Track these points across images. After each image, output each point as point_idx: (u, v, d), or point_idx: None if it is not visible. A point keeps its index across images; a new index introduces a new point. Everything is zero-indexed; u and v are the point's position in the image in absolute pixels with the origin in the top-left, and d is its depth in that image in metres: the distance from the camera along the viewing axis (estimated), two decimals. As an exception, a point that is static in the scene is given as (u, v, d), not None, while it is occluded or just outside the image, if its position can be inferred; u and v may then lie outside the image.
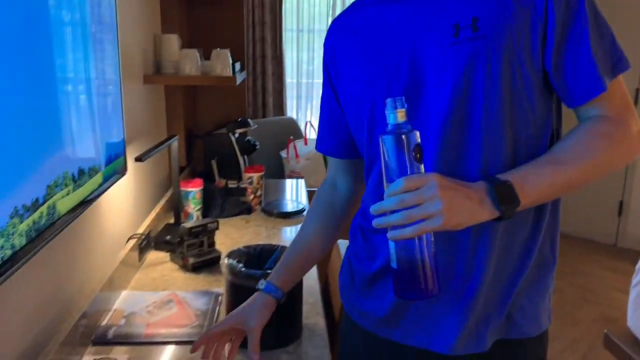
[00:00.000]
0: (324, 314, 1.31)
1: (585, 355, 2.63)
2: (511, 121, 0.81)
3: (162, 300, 1.33)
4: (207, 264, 1.53)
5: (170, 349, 1.13)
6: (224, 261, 1.13)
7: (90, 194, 1.03)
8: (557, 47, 0.79)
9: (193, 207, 1.86)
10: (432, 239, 0.74)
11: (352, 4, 0.94)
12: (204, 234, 1.55)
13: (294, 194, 2.34)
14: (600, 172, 0.82)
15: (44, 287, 1.04)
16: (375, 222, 0.74)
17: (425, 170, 0.76)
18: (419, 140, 0.73)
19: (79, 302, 1.16)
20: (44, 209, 0.79)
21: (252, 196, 2.07)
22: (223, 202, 2.01)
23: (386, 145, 0.73)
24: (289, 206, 2.08)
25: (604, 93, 0.80)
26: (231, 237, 1.78)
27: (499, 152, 0.81)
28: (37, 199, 0.76)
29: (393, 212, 0.72)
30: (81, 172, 0.95)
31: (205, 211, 1.94)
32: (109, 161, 1.13)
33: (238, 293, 1.11)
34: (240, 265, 1.12)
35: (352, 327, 0.99)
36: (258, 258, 1.21)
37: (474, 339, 0.86)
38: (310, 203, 1.11)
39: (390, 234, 0.73)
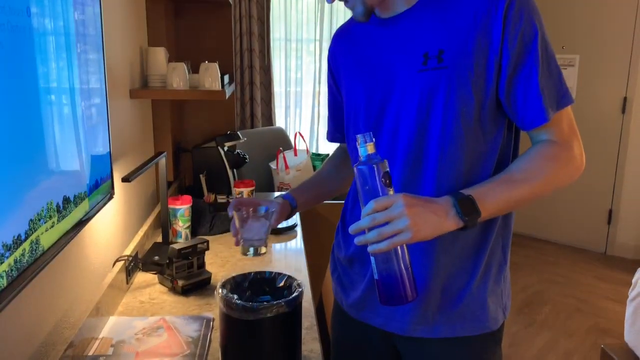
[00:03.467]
0: (320, 338, 1.26)
1: (579, 367, 2.61)
2: (463, 140, 0.96)
3: (151, 326, 1.28)
4: (197, 286, 1.48)
5: (160, 381, 1.08)
6: (218, 291, 1.09)
7: (77, 223, 0.98)
8: (509, 80, 0.93)
9: (182, 225, 1.81)
10: (406, 250, 0.87)
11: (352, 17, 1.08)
12: (194, 255, 1.50)
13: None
14: (548, 189, 0.95)
15: (26, 321, 0.98)
16: (357, 240, 0.86)
17: (393, 183, 0.92)
18: (387, 168, 0.87)
19: (64, 333, 1.10)
20: (26, 245, 0.74)
21: (242, 212, 2.02)
22: (212, 219, 1.96)
23: (360, 174, 0.87)
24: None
25: (552, 122, 0.94)
26: (221, 255, 1.73)
27: (453, 166, 0.97)
28: (19, 236, 0.71)
29: (371, 229, 0.83)
30: (66, 200, 0.90)
31: (194, 228, 1.89)
32: (95, 186, 1.08)
33: (233, 325, 1.06)
34: (235, 297, 1.07)
35: (337, 307, 1.22)
36: (251, 287, 1.17)
37: (428, 325, 1.02)
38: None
39: (368, 249, 0.85)
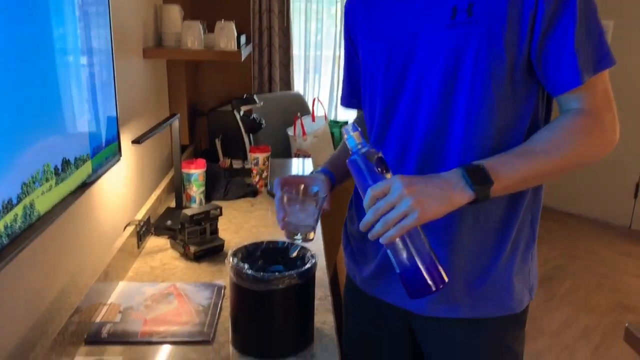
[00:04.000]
0: (333, 309, 1.22)
1: (599, 344, 2.55)
2: (494, 105, 0.87)
3: (161, 293, 1.25)
4: (209, 252, 1.44)
5: (167, 350, 1.05)
6: (229, 260, 1.04)
7: (79, 186, 0.93)
8: (542, 36, 0.84)
9: (196, 190, 1.77)
10: (423, 235, 0.80)
11: None
12: (206, 221, 1.46)
13: (301, 174, 2.24)
14: (573, 164, 0.86)
15: (29, 284, 0.95)
16: (370, 236, 0.79)
17: (412, 157, 0.90)
18: (380, 154, 0.82)
19: (70, 298, 1.07)
20: (18, 209, 0.69)
21: (257, 178, 1.98)
22: (227, 184, 1.91)
23: (352, 167, 0.83)
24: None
25: (586, 87, 0.84)
26: (235, 221, 1.69)
27: (481, 137, 0.88)
28: (9, 200, 0.67)
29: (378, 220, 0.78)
30: (66, 163, 0.85)
31: (209, 193, 1.85)
32: (99, 148, 1.03)
33: (243, 296, 1.02)
34: (246, 266, 1.03)
35: (349, 282, 1.15)
36: (263, 256, 1.12)
37: (448, 305, 0.95)
38: None
39: (380, 241, 0.78)
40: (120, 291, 1.25)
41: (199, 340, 1.07)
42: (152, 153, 1.76)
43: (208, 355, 1.04)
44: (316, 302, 1.21)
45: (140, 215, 1.50)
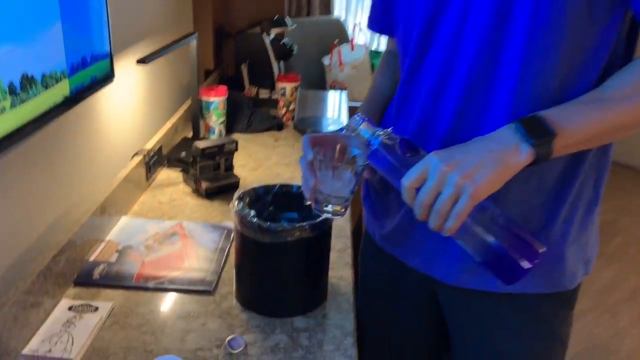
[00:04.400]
0: (352, 263, 1.08)
1: (646, 308, 2.37)
2: (565, 30, 0.67)
3: (166, 232, 1.14)
4: (222, 190, 1.31)
5: (163, 298, 0.94)
6: (234, 204, 0.90)
7: (50, 109, 0.79)
8: None
9: (215, 120, 1.62)
10: (491, 208, 0.66)
11: None
12: (221, 155, 1.32)
13: (334, 108, 2.05)
14: None
15: (5, 219, 0.84)
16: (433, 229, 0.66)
17: (449, 94, 0.73)
18: (403, 137, 0.71)
19: (61, 232, 0.97)
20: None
21: (284, 110, 1.81)
22: (251, 115, 1.76)
23: (375, 161, 0.72)
24: (326, 124, 1.81)
25: None
26: (255, 157, 1.55)
27: (542, 76, 0.69)
28: None
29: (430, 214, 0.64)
30: (27, 80, 0.71)
31: (230, 124, 1.70)
32: (82, 65, 0.88)
33: (248, 247, 0.89)
34: (253, 213, 0.88)
35: (368, 239, 1.00)
36: (275, 202, 0.98)
37: (484, 276, 0.75)
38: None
39: (443, 235, 0.65)
40: (121, 227, 1.14)
41: (199, 289, 0.96)
42: (168, 77, 1.61)
43: (207, 307, 0.93)
44: (334, 254, 1.07)
45: (151, 145, 1.38)
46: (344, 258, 1.09)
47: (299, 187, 0.99)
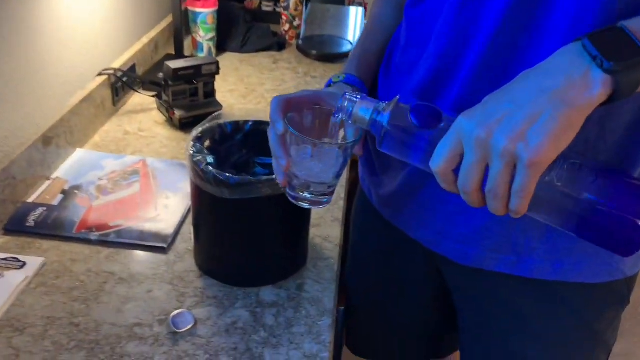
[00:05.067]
0: (343, 220, 0.90)
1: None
2: None
3: (125, 169, 0.96)
4: (200, 120, 1.10)
5: (106, 253, 0.78)
6: (189, 146, 0.71)
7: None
8: None
9: (203, 35, 1.39)
10: (565, 165, 0.45)
11: None
12: (199, 78, 1.11)
13: (349, 28, 1.79)
14: None
15: None
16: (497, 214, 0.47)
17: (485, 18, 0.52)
18: (407, 105, 0.51)
19: (-13, 169, 0.80)
20: None
21: (287, 26, 1.56)
22: (248, 31, 1.52)
23: (389, 146, 0.53)
24: (336, 45, 1.57)
25: None
26: (248, 81, 1.33)
27: None
28: None
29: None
30: None
31: (223, 41, 1.47)
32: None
33: (204, 203, 0.71)
34: (210, 159, 0.69)
35: (362, 199, 0.81)
36: (248, 143, 0.78)
37: (512, 255, 0.60)
38: None
39: (515, 217, 0.46)
40: (74, 161, 0.97)
41: (151, 245, 0.79)
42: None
43: (158, 270, 0.76)
44: (321, 210, 0.89)
45: (120, 63, 1.17)
46: (333, 212, 0.90)
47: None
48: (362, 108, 0.54)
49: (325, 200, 0.62)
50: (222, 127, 0.77)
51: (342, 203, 0.93)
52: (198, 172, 0.68)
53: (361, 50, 0.73)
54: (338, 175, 0.61)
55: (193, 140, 0.72)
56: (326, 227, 0.87)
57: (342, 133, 0.61)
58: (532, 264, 0.60)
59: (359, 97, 0.55)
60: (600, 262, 0.59)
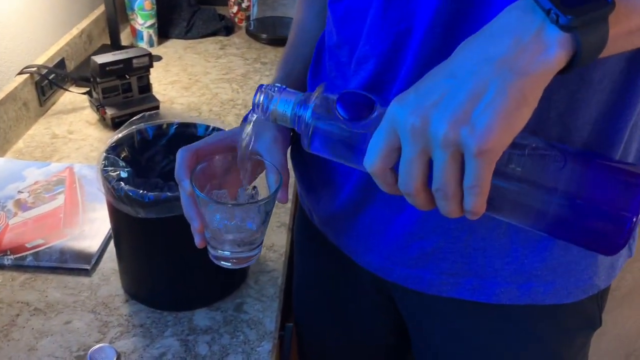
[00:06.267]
0: (290, 225, 0.83)
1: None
2: None
3: (50, 179, 0.87)
4: (135, 119, 1.02)
5: (21, 278, 0.70)
6: (100, 160, 0.62)
7: None
8: None
9: (142, 23, 1.29)
10: (527, 151, 0.38)
11: None
12: (131, 73, 1.01)
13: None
14: None
15: None
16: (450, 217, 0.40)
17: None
18: (334, 95, 0.43)
19: None
20: None
21: (235, 8, 1.46)
22: (192, 16, 1.41)
23: (317, 144, 0.45)
24: (289, 27, 1.47)
25: None
26: (190, 71, 1.24)
27: None
28: None
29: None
30: None
31: (165, 28, 1.37)
32: None
33: (122, 222, 0.63)
34: (123, 175, 0.61)
35: (302, 217, 0.72)
36: (171, 148, 0.69)
37: (470, 278, 0.53)
38: None
39: (470, 218, 0.38)
40: (-10, 174, 0.87)
41: (73, 267, 0.71)
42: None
43: (79, 296, 0.68)
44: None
45: (45, 58, 1.06)
46: (279, 216, 0.83)
47: (209, 127, 0.71)
48: (282, 102, 0.46)
49: (254, 255, 0.55)
50: (142, 132, 0.69)
51: (289, 205, 0.86)
52: (109, 190, 0.60)
53: (291, 68, 0.63)
54: (262, 229, 0.53)
55: (106, 152, 0.64)
56: (270, 233, 0.79)
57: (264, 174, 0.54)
58: (497, 288, 0.53)
59: (277, 88, 0.46)
60: (574, 279, 0.53)
